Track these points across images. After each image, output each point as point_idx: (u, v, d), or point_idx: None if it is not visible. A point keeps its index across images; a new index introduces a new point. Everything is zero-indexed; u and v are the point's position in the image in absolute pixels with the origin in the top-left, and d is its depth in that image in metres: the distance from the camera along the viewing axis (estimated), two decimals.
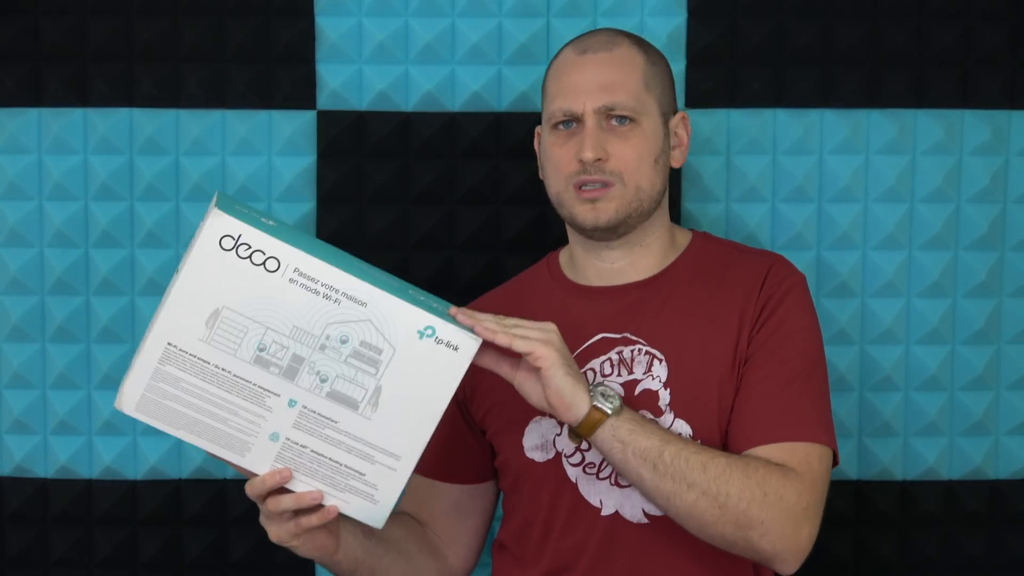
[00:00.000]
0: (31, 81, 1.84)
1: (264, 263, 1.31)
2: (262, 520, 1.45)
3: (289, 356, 1.34)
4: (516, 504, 1.62)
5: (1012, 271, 1.86)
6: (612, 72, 1.55)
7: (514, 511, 1.62)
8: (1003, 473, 1.87)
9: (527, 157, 1.84)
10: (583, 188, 1.55)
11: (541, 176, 1.65)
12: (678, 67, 1.83)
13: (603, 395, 1.42)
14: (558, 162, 1.57)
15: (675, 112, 1.63)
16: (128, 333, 1.85)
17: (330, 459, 1.38)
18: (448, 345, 1.36)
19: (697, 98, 1.84)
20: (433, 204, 1.87)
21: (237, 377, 1.34)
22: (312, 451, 1.38)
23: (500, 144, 1.86)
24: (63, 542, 1.88)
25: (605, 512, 1.54)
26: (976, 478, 1.87)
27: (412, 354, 1.36)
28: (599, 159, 1.53)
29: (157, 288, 1.84)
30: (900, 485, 1.87)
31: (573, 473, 1.55)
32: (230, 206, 1.33)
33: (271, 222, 1.35)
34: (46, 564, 1.88)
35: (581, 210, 1.56)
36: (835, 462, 1.52)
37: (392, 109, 1.85)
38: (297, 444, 1.37)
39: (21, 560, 1.88)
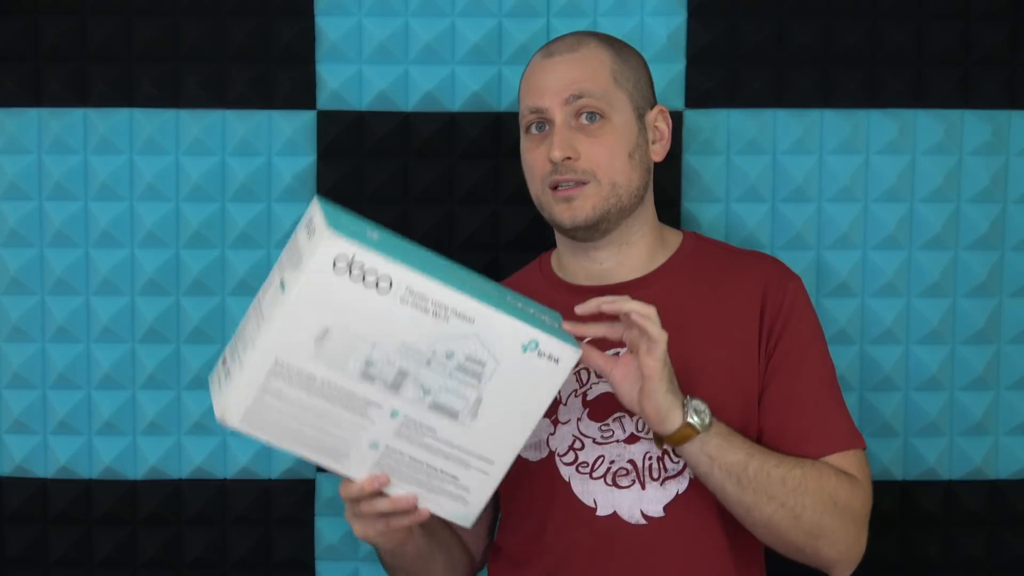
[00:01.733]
0: (31, 81, 1.84)
1: (377, 283, 1.30)
2: (348, 517, 1.46)
3: (395, 371, 1.35)
4: (510, 503, 1.62)
5: (1012, 271, 1.86)
6: (578, 69, 1.56)
7: (509, 511, 1.63)
8: (1003, 473, 1.87)
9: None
10: (558, 188, 1.56)
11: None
12: (678, 67, 1.83)
13: (695, 411, 1.44)
14: (532, 165, 1.58)
15: (652, 106, 1.62)
16: (128, 333, 1.85)
17: (427, 464, 1.40)
18: (550, 357, 1.38)
19: (697, 98, 1.84)
20: (433, 204, 1.87)
21: (343, 390, 1.35)
22: (410, 457, 1.39)
23: (500, 144, 1.86)
24: (63, 542, 1.88)
25: (601, 512, 1.54)
26: (976, 478, 1.87)
27: (515, 367, 1.37)
28: (569, 158, 1.53)
29: (157, 288, 1.85)
30: (900, 485, 1.87)
31: (566, 472, 1.55)
32: (337, 220, 1.31)
33: (376, 234, 1.34)
34: (46, 564, 1.88)
35: (558, 210, 1.56)
36: None
37: (392, 109, 1.85)
38: (396, 451, 1.39)
39: (21, 560, 1.88)
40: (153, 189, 1.85)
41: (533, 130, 1.58)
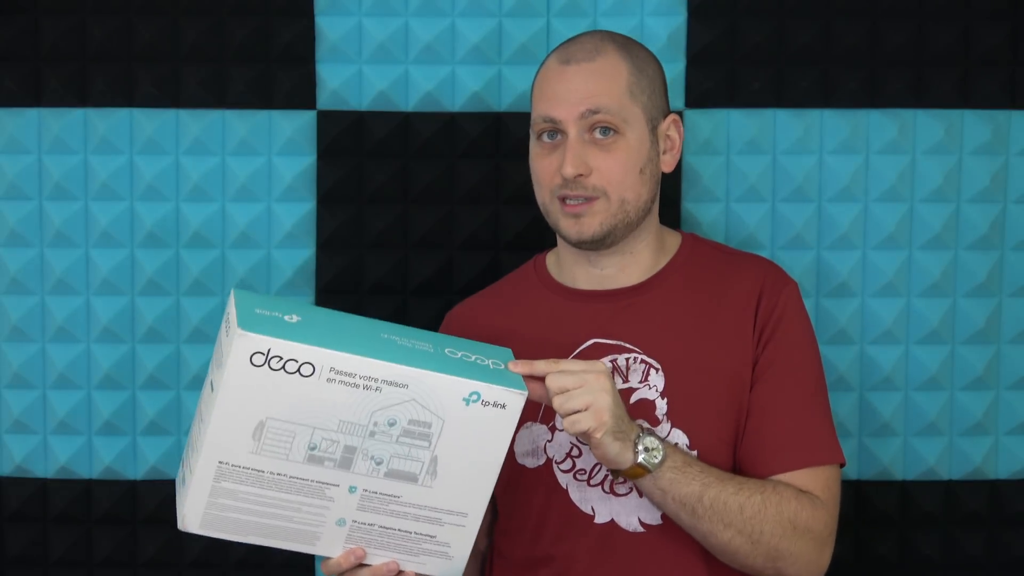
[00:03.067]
0: (31, 81, 1.84)
1: (299, 370, 1.30)
2: None
3: (341, 448, 1.34)
4: (507, 508, 1.61)
5: (1012, 271, 1.86)
6: (595, 82, 1.53)
7: (505, 515, 1.62)
8: (1003, 473, 1.87)
9: (527, 157, 1.84)
10: (566, 202, 1.54)
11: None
12: (678, 67, 1.83)
13: (646, 448, 1.43)
14: (542, 174, 1.56)
15: (666, 116, 1.59)
16: (128, 333, 1.85)
17: (399, 530, 1.40)
18: (495, 405, 1.36)
19: (697, 98, 1.84)
20: (433, 204, 1.87)
21: (294, 478, 1.35)
22: (380, 527, 1.39)
23: (500, 144, 1.85)
24: (63, 542, 1.88)
25: (599, 520, 1.54)
26: (976, 478, 1.87)
27: (461, 421, 1.36)
28: (580, 175, 1.51)
29: (157, 288, 1.84)
30: (900, 485, 1.87)
31: (564, 479, 1.55)
32: (250, 314, 1.31)
33: (295, 317, 1.34)
34: (46, 564, 1.88)
35: (565, 223, 1.55)
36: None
37: (392, 109, 1.85)
38: (365, 524, 1.39)
39: (21, 560, 1.88)
40: (153, 189, 1.85)
41: (545, 138, 1.56)
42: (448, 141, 1.86)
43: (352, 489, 1.36)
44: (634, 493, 1.53)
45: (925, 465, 1.86)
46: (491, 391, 1.35)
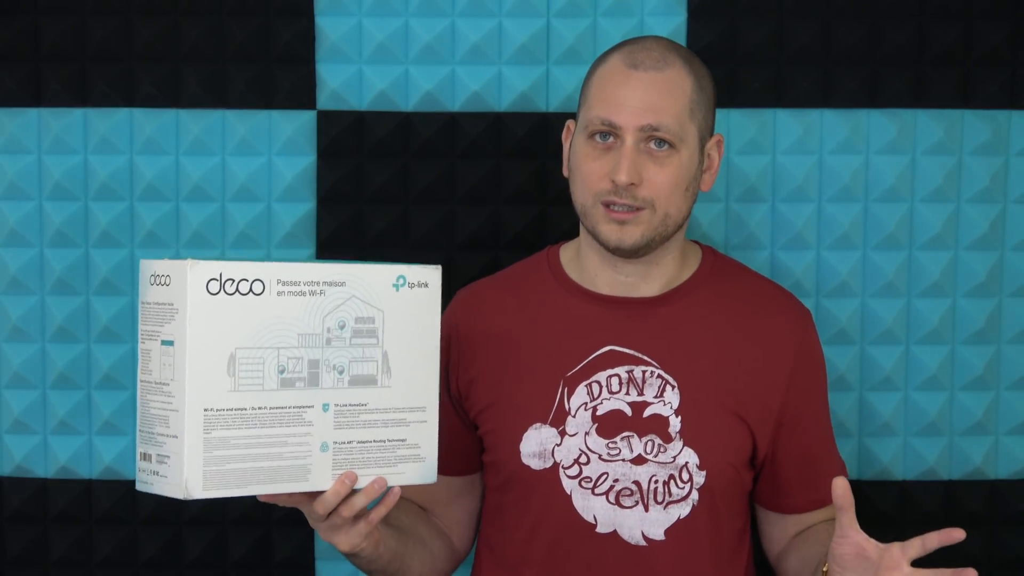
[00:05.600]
0: (31, 81, 1.84)
1: (251, 288, 1.36)
2: (328, 536, 1.46)
3: (306, 364, 1.39)
4: (504, 505, 1.61)
5: (1012, 271, 1.86)
6: (660, 95, 1.51)
7: (501, 511, 1.62)
8: (1003, 473, 1.87)
9: (527, 157, 1.84)
10: (612, 208, 1.52)
11: (565, 174, 1.62)
12: None
13: None
14: (589, 176, 1.53)
15: (712, 134, 1.59)
16: (128, 333, 1.85)
17: (374, 441, 1.44)
18: (419, 285, 1.46)
19: None
20: (433, 204, 1.87)
21: (274, 408, 1.37)
22: (358, 442, 1.43)
23: (500, 144, 1.85)
24: (63, 542, 1.88)
25: (601, 530, 1.54)
26: (976, 478, 1.87)
27: (396, 308, 1.44)
28: (632, 184, 1.50)
29: None
30: (900, 485, 1.87)
31: (569, 485, 1.55)
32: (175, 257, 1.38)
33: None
34: (46, 564, 1.88)
35: (606, 229, 1.53)
36: None
37: (392, 109, 1.85)
38: (344, 443, 1.42)
39: (21, 560, 1.88)
40: (153, 189, 1.85)
41: (597, 139, 1.53)
42: (448, 141, 1.86)
43: (325, 407, 1.40)
44: (640, 507, 1.53)
45: (925, 465, 1.87)
46: (413, 272, 1.45)
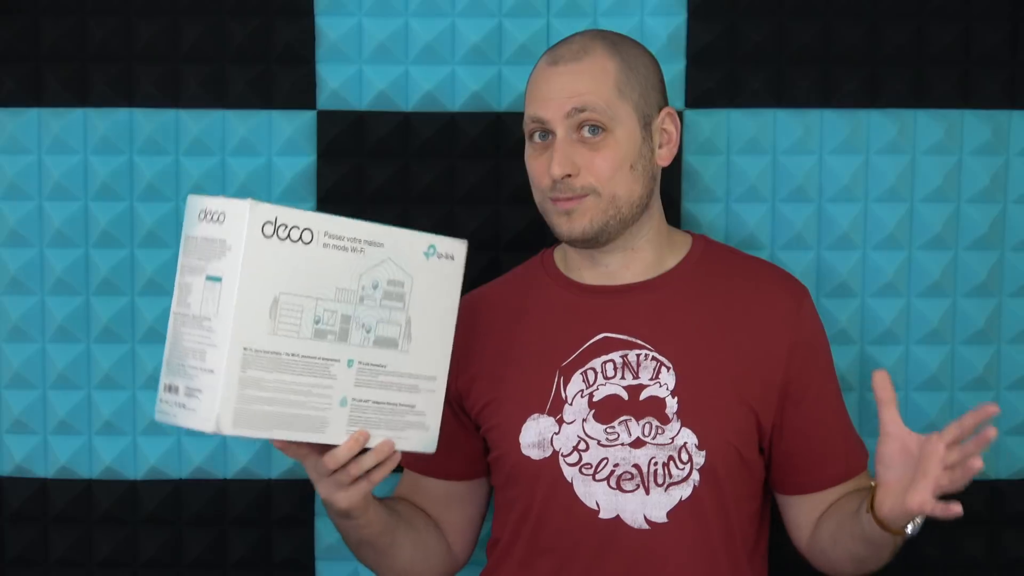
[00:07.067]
0: (31, 81, 1.84)
1: (301, 236, 1.37)
2: (328, 492, 1.47)
3: (339, 319, 1.41)
4: (509, 501, 1.62)
5: (1012, 271, 1.86)
6: (581, 82, 1.54)
7: (508, 508, 1.63)
8: (1003, 473, 1.87)
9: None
10: (557, 200, 1.56)
11: None
12: (678, 67, 1.83)
13: (914, 524, 1.46)
14: (533, 176, 1.59)
15: (660, 110, 1.60)
16: (128, 333, 1.85)
17: (388, 403, 1.46)
18: (447, 256, 1.49)
19: (697, 98, 1.84)
20: (433, 204, 1.87)
21: (305, 357, 1.39)
22: (374, 402, 1.45)
23: (500, 144, 1.86)
24: (63, 542, 1.88)
25: (604, 515, 1.55)
26: (976, 478, 1.85)
27: (424, 276, 1.47)
28: (568, 175, 1.53)
29: (157, 288, 1.84)
30: None
31: (569, 473, 1.56)
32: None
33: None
34: (46, 564, 1.88)
35: (557, 222, 1.57)
36: None
37: (392, 109, 1.85)
38: (361, 401, 1.44)
39: (21, 560, 1.88)
40: (153, 189, 1.85)
41: (536, 138, 1.58)
42: (448, 141, 1.86)
43: (350, 363, 1.42)
44: (641, 490, 1.53)
45: None
46: (443, 243, 1.48)
